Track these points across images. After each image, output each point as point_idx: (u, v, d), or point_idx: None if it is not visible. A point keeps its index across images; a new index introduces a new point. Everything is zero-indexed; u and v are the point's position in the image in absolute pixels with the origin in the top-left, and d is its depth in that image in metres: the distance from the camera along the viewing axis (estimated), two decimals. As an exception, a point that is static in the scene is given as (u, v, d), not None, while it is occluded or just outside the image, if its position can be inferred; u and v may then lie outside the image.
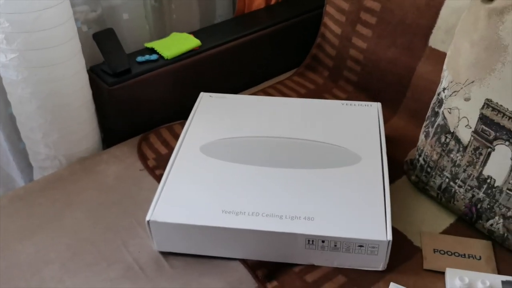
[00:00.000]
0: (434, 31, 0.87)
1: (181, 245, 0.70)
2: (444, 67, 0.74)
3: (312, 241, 0.66)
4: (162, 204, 0.70)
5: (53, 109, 0.83)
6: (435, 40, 0.88)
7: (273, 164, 0.76)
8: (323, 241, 0.66)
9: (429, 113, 0.78)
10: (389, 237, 0.64)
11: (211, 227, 0.67)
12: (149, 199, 0.80)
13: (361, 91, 1.03)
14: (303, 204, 0.69)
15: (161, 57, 0.95)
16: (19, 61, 0.76)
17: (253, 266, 0.69)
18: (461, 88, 0.69)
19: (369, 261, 0.66)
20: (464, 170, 0.71)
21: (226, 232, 0.67)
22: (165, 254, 0.72)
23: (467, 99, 0.69)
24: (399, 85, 0.95)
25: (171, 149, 0.90)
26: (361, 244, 0.65)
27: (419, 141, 0.80)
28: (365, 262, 0.67)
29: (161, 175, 0.85)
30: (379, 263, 0.67)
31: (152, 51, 0.97)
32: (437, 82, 0.88)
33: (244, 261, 0.70)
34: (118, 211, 0.79)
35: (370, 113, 0.86)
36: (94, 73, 0.91)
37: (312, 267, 0.68)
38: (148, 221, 0.68)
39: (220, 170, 0.75)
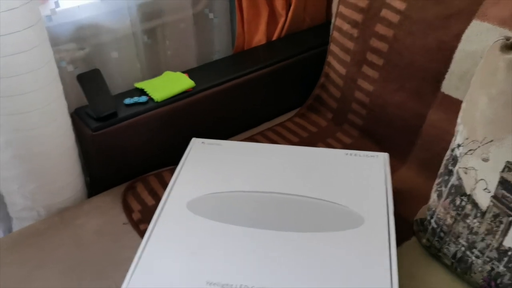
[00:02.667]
0: (447, 76, 0.80)
1: (160, 318, 0.62)
2: (459, 120, 0.67)
3: (308, 321, 0.57)
4: (140, 271, 0.62)
5: (30, 158, 0.76)
6: (449, 86, 0.80)
7: (266, 225, 0.68)
8: (320, 322, 0.57)
9: (442, 170, 0.70)
10: (397, 321, 0.55)
11: (192, 302, 0.59)
12: (130, 258, 0.73)
13: (367, 136, 0.95)
14: (299, 276, 0.61)
15: (151, 99, 0.88)
16: (-9, 108, 0.70)
17: None
18: (478, 146, 0.62)
19: None
20: (483, 239, 0.63)
21: (209, 308, 0.59)
22: (143, 327, 0.64)
23: (485, 160, 0.61)
24: (408, 132, 0.88)
25: (158, 200, 0.83)
26: (364, 328, 0.56)
27: (431, 200, 0.72)
28: None
29: (146, 230, 0.78)
30: None
31: (142, 92, 0.90)
32: (450, 131, 0.80)
33: None
34: (95, 273, 0.71)
35: (376, 165, 0.79)
36: (78, 117, 0.85)
37: None
38: (124, 292, 0.60)
39: (207, 231, 0.67)
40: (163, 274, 0.62)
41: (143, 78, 1.00)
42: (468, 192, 0.64)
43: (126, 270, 0.68)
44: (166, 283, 0.61)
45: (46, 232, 0.78)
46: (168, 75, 0.94)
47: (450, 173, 0.67)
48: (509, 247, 0.60)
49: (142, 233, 0.77)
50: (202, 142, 0.85)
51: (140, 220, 0.80)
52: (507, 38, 0.61)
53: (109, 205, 0.84)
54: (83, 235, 0.78)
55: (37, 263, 0.73)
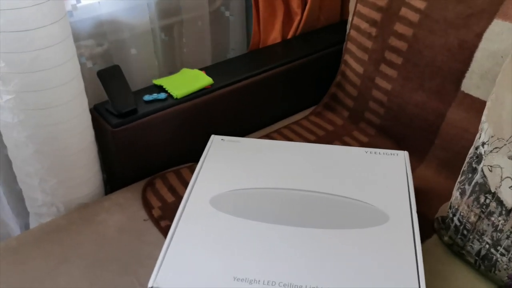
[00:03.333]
0: (467, 75, 0.80)
1: (187, 314, 0.62)
2: (483, 118, 0.67)
3: (336, 318, 0.58)
4: (166, 268, 0.62)
5: (51, 154, 0.76)
6: (469, 85, 0.80)
7: (290, 222, 0.68)
8: (348, 319, 0.57)
9: (465, 167, 0.70)
10: (426, 317, 0.56)
11: (221, 298, 0.59)
12: (152, 254, 0.73)
13: (384, 135, 0.96)
14: (326, 272, 0.61)
15: (170, 96, 0.88)
16: (15, 103, 0.70)
17: None
18: (505, 144, 0.62)
19: None
20: (508, 237, 0.63)
21: (237, 304, 0.59)
22: (169, 323, 0.64)
23: (511, 158, 0.61)
24: (427, 131, 0.88)
25: (178, 197, 0.83)
26: (392, 324, 0.57)
27: (453, 198, 0.72)
28: None
29: (167, 227, 0.78)
30: None
31: (160, 89, 0.90)
32: (470, 130, 0.81)
33: (257, 336, 0.62)
34: (118, 269, 0.71)
35: (396, 163, 0.79)
36: (98, 113, 0.85)
37: None
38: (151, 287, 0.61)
39: (231, 228, 0.68)
40: (189, 271, 0.62)
41: (160, 75, 1.00)
42: (493, 189, 0.64)
43: (149, 266, 0.68)
44: (193, 280, 0.61)
45: (68, 228, 0.78)
46: (186, 72, 0.94)
47: (474, 171, 0.67)
48: (536, 245, 0.60)
49: (163, 230, 0.77)
50: (222, 139, 0.85)
51: (161, 217, 0.80)
52: (534, 37, 0.62)
53: (129, 201, 0.84)
54: (104, 231, 0.78)
55: (61, 258, 0.73)
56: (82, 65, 0.78)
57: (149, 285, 0.61)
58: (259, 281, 0.60)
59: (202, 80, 0.91)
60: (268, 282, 0.60)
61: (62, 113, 0.74)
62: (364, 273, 0.61)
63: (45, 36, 0.67)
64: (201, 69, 0.96)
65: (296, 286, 0.59)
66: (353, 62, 0.99)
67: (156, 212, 0.81)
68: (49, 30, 0.67)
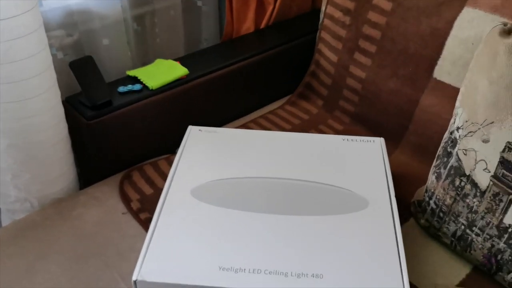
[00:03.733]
0: (439, 62, 0.82)
1: (172, 306, 0.62)
2: (457, 104, 0.69)
3: (322, 302, 0.59)
4: (150, 260, 0.62)
5: (24, 148, 0.74)
6: (441, 72, 0.83)
7: (273, 210, 0.68)
8: (334, 302, 0.58)
9: (440, 152, 0.72)
10: (408, 297, 0.57)
11: (207, 287, 0.59)
12: (134, 248, 0.73)
13: (359, 122, 0.97)
14: (310, 258, 0.62)
15: (145, 87, 0.87)
16: (-15, 96, 0.67)
17: (254, 329, 0.61)
18: (479, 128, 0.64)
19: (385, 323, 0.59)
20: (482, 217, 0.65)
21: (224, 293, 0.59)
22: (154, 315, 0.63)
23: (485, 141, 0.63)
24: (401, 117, 0.90)
25: (156, 189, 0.82)
26: (376, 306, 0.58)
27: (429, 182, 0.74)
28: (380, 324, 0.60)
29: (146, 219, 0.77)
30: (396, 325, 0.60)
31: (135, 80, 0.89)
32: (442, 115, 0.83)
33: (243, 323, 0.62)
34: (98, 264, 0.70)
35: (373, 149, 0.80)
36: (71, 105, 0.83)
37: (320, 330, 0.61)
38: (135, 281, 0.60)
39: (214, 217, 0.67)
40: (173, 262, 0.61)
41: (134, 66, 0.99)
42: (467, 172, 0.66)
43: (130, 260, 0.67)
44: (178, 271, 0.60)
45: (44, 223, 0.76)
46: (160, 63, 0.93)
47: (449, 155, 0.69)
48: (510, 224, 0.62)
49: (143, 222, 0.76)
50: (199, 130, 0.85)
51: (140, 209, 0.79)
52: (505, 24, 0.64)
53: (106, 195, 0.82)
54: (82, 226, 0.76)
55: (38, 255, 0.71)
56: (52, 56, 0.76)
57: (133, 278, 0.60)
58: (244, 269, 0.60)
59: (177, 70, 0.90)
60: (253, 270, 0.60)
61: (35, 106, 0.72)
62: (347, 257, 0.62)
63: (17, 26, 0.64)
64: (175, 60, 0.95)
65: (281, 273, 0.60)
66: (327, 51, 1.00)
67: (135, 205, 0.80)
68: (22, 20, 0.65)
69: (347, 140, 0.83)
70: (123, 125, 0.85)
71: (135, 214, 0.78)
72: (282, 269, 0.60)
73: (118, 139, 0.85)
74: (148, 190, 0.83)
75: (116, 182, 0.84)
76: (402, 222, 0.77)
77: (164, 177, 0.85)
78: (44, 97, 0.72)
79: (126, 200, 0.81)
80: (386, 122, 0.92)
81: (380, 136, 0.83)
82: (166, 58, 0.95)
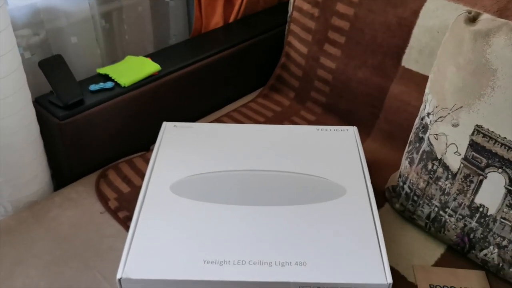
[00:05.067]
0: (407, 50, 0.85)
1: (158, 302, 0.62)
2: (427, 90, 0.71)
3: (306, 289, 0.60)
4: (133, 258, 0.61)
5: (-5, 151, 0.72)
6: (408, 60, 0.85)
7: (253, 202, 0.69)
8: (318, 288, 0.60)
9: (412, 138, 0.75)
10: (389, 279, 0.59)
11: (193, 281, 0.59)
12: (114, 247, 0.72)
13: (330, 112, 0.99)
14: (293, 247, 0.63)
15: (117, 84, 0.86)
16: (-48, 99, 0.65)
17: (241, 319, 0.62)
18: (448, 113, 0.66)
19: (368, 305, 0.61)
20: (455, 199, 0.68)
21: (210, 285, 0.60)
22: (139, 313, 0.63)
23: (455, 125, 0.66)
24: (371, 106, 0.92)
25: (133, 187, 0.82)
26: (359, 289, 0.60)
27: (402, 167, 0.77)
28: (363, 306, 0.62)
29: (125, 217, 0.76)
30: (378, 306, 0.62)
31: (106, 77, 0.88)
32: (411, 102, 0.86)
33: (230, 315, 0.63)
34: (78, 265, 0.69)
35: (347, 138, 0.82)
36: (41, 106, 0.81)
37: (306, 316, 0.63)
38: (120, 279, 0.59)
39: (195, 212, 0.68)
40: (157, 259, 0.61)
41: (103, 64, 0.97)
42: (439, 156, 0.69)
43: (111, 259, 0.67)
44: (162, 267, 0.60)
45: (19, 227, 0.75)
46: (131, 60, 0.92)
47: (420, 140, 0.72)
48: (480, 204, 0.65)
49: (121, 221, 0.76)
50: (174, 126, 0.84)
51: (118, 208, 0.78)
52: (469, 12, 0.66)
53: (81, 195, 0.81)
54: (59, 228, 0.75)
55: (16, 260, 0.69)
56: (20, 56, 0.74)
57: (118, 276, 0.60)
58: (229, 261, 0.61)
59: (148, 67, 0.90)
60: (238, 262, 0.61)
61: (4, 108, 0.70)
62: (329, 244, 0.63)
63: (-18, 25, 0.62)
64: (145, 56, 0.94)
65: (265, 263, 0.61)
66: (297, 43, 1.01)
67: (112, 204, 0.79)
68: (-13, 19, 0.63)
69: (321, 130, 0.84)
70: (96, 124, 0.83)
71: (114, 213, 0.77)
72: (266, 259, 0.61)
73: (91, 138, 0.84)
74: (125, 188, 0.82)
75: (92, 182, 0.83)
76: (378, 208, 0.79)
77: (140, 174, 0.84)
78: (14, 99, 0.70)
79: (103, 199, 0.80)
80: (357, 111, 0.95)
81: (352, 125, 0.85)
82: (136, 55, 0.94)
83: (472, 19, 0.65)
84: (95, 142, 0.85)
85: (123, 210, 0.77)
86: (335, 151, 0.79)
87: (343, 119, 0.97)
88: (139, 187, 0.71)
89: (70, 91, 0.80)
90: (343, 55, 0.93)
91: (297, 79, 1.03)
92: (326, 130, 0.84)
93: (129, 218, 0.67)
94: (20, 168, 0.77)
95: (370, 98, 0.92)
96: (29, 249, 0.71)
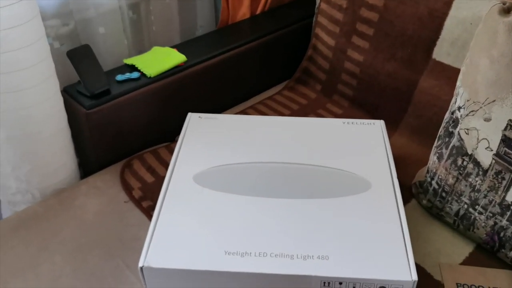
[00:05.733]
0: (438, 42, 0.82)
1: (179, 291, 0.62)
2: (458, 83, 0.69)
3: (329, 283, 0.59)
4: (156, 247, 0.62)
5: (24, 139, 0.73)
6: (440, 53, 0.83)
7: (276, 194, 0.68)
8: (340, 283, 0.59)
9: (441, 132, 0.72)
10: (414, 276, 0.57)
11: (214, 272, 0.59)
12: (137, 236, 0.73)
13: (358, 106, 0.97)
14: (315, 240, 0.62)
15: (143, 74, 0.86)
16: (-17, 87, 0.67)
17: (261, 312, 0.62)
18: (480, 107, 0.64)
19: (391, 302, 0.60)
20: (485, 196, 0.66)
21: (231, 277, 0.59)
22: (161, 302, 0.63)
23: (487, 120, 0.63)
24: (399, 100, 0.90)
25: (158, 177, 0.82)
26: (382, 285, 0.58)
27: (430, 162, 0.75)
28: (387, 303, 0.60)
29: (149, 207, 0.77)
30: (402, 304, 0.60)
31: (132, 68, 0.88)
32: (442, 97, 0.83)
33: (250, 307, 0.62)
34: (102, 253, 0.70)
35: (374, 132, 0.80)
36: (69, 95, 0.82)
37: (327, 311, 0.62)
38: (142, 268, 0.60)
39: (218, 203, 0.67)
40: (179, 248, 0.61)
41: (130, 54, 0.98)
42: (469, 152, 0.66)
43: (134, 248, 0.67)
44: (184, 257, 0.60)
45: (46, 214, 0.76)
46: (157, 50, 0.92)
47: (450, 135, 0.70)
48: (512, 201, 0.63)
49: (145, 210, 0.76)
50: (199, 117, 0.84)
51: (142, 198, 0.78)
52: (504, 2, 0.64)
53: (107, 184, 0.82)
54: (85, 216, 0.76)
55: (42, 245, 0.70)
56: (49, 45, 0.75)
57: (140, 265, 0.60)
58: (250, 253, 0.61)
59: (174, 57, 0.90)
60: (259, 254, 0.60)
61: (33, 96, 0.71)
62: (352, 239, 0.62)
63: (13, 14, 0.63)
64: (172, 47, 0.94)
65: (287, 256, 0.60)
66: (324, 35, 1.00)
67: (136, 193, 0.79)
68: (18, 9, 0.64)
69: (347, 123, 0.83)
70: (122, 114, 0.84)
71: (137, 203, 0.78)
72: (288, 252, 0.61)
73: (117, 128, 0.85)
74: (149, 178, 0.82)
75: (117, 171, 0.84)
76: (404, 203, 0.77)
77: (165, 165, 0.84)
78: (42, 87, 0.72)
79: (127, 188, 0.80)
80: (385, 105, 0.93)
81: (379, 119, 0.83)
82: (162, 45, 0.94)
83: (507, 10, 0.62)
84: (121, 131, 0.86)
85: (147, 200, 0.78)
86: (361, 144, 0.78)
87: (370, 113, 0.95)
88: (163, 177, 0.71)
89: (97, 81, 0.80)
90: (371, 48, 0.91)
91: (324, 71, 1.02)
92: (352, 123, 0.83)
93: (153, 208, 0.67)
94: (48, 156, 0.78)
95: (399, 92, 0.90)
96: (55, 236, 0.72)
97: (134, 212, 0.77)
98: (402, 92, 0.89)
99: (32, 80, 0.69)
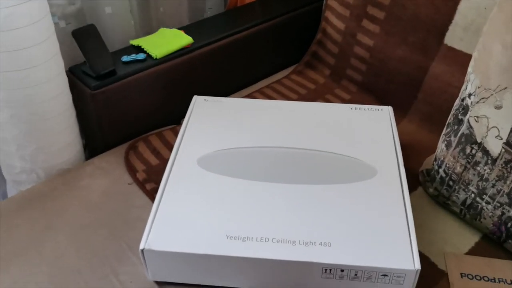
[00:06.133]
0: (450, 27, 0.80)
1: (180, 274, 0.62)
2: (470, 69, 0.67)
3: (330, 270, 0.58)
4: (157, 229, 0.61)
5: (28, 118, 0.73)
6: (452, 38, 0.80)
7: (280, 179, 0.68)
8: (342, 270, 0.58)
9: (450, 120, 0.71)
10: (417, 265, 0.57)
11: (215, 256, 0.59)
12: (140, 218, 0.72)
13: (366, 92, 0.95)
14: (318, 227, 0.61)
15: (149, 56, 0.86)
16: (-13, 65, 0.66)
17: (262, 297, 0.62)
18: (491, 94, 0.62)
19: (393, 290, 0.59)
20: (493, 185, 0.64)
21: (232, 261, 0.59)
22: (161, 284, 0.63)
23: (498, 107, 0.62)
24: (409, 86, 0.88)
25: (162, 160, 0.82)
26: (385, 274, 0.58)
27: (438, 150, 0.73)
28: (389, 291, 0.60)
29: (153, 189, 0.77)
30: (404, 292, 0.60)
31: (138, 49, 0.87)
32: (453, 83, 0.81)
33: (251, 291, 0.62)
34: (105, 233, 0.70)
35: (381, 118, 0.79)
36: (74, 75, 0.81)
37: (328, 298, 0.61)
38: (142, 250, 0.60)
39: (221, 187, 0.67)
40: (180, 231, 0.61)
41: (137, 36, 0.97)
42: (479, 140, 0.65)
43: (137, 230, 0.67)
44: (185, 240, 0.60)
45: (50, 194, 0.76)
46: (164, 32, 0.91)
47: (460, 122, 0.68)
48: (521, 192, 0.62)
49: (149, 193, 0.76)
50: (205, 100, 0.83)
51: (146, 180, 0.78)
52: (520, -14, 0.61)
53: (112, 165, 0.82)
54: (89, 196, 0.76)
55: (46, 225, 0.71)
56: (55, 25, 0.74)
57: (141, 247, 0.60)
58: (252, 238, 0.60)
59: (181, 39, 0.89)
60: (261, 239, 0.60)
61: (38, 75, 0.70)
62: (355, 226, 0.61)
63: (17, -8, 0.63)
64: (179, 29, 0.93)
65: (289, 241, 0.60)
66: (334, 18, 0.98)
67: (140, 175, 0.79)
68: (20, -14, 0.63)
69: (355, 108, 0.81)
70: (128, 95, 0.84)
71: (141, 185, 0.78)
72: (290, 238, 0.60)
73: (122, 109, 0.84)
74: (154, 160, 0.82)
75: (122, 153, 0.84)
76: (410, 191, 0.76)
77: (170, 147, 0.84)
78: (47, 67, 0.71)
79: (132, 170, 0.80)
80: (394, 91, 0.91)
81: (388, 105, 0.82)
82: (170, 27, 0.93)
83: (524, -6, 0.60)
84: (126, 113, 0.85)
85: (150, 182, 0.78)
86: (368, 131, 0.76)
87: (379, 99, 0.93)
88: (168, 160, 0.71)
89: (102, 61, 0.80)
90: (382, 32, 0.89)
91: (333, 56, 1.00)
92: (360, 109, 0.81)
93: (156, 190, 0.67)
94: (53, 136, 0.78)
95: (409, 77, 0.88)
96: (59, 215, 0.73)
97: (138, 194, 0.77)
98: (412, 78, 0.87)
99: (36, 59, 0.69)
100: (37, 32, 0.67)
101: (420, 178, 0.78)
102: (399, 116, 0.89)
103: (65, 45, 0.84)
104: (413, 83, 0.87)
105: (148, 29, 1.00)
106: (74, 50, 0.82)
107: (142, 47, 0.87)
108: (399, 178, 0.68)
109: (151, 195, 0.75)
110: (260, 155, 0.72)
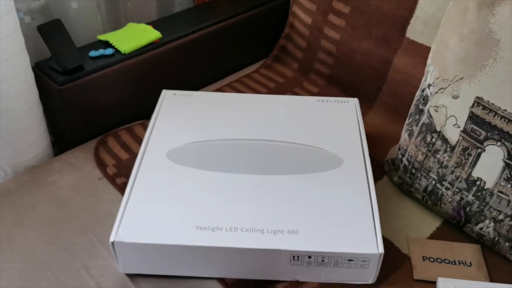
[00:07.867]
0: (412, 21, 0.83)
1: (151, 266, 0.63)
2: (429, 61, 0.70)
3: (298, 257, 0.60)
4: (127, 222, 0.62)
5: (-6, 114, 0.73)
6: (413, 31, 0.83)
7: (249, 170, 0.69)
8: (309, 257, 0.60)
9: (412, 110, 0.73)
10: (381, 249, 0.59)
11: (185, 246, 0.60)
12: (111, 212, 0.73)
13: (334, 84, 0.98)
14: (286, 215, 0.63)
15: (117, 51, 0.85)
16: (-50, 61, 0.65)
17: (232, 285, 0.63)
18: (449, 85, 0.65)
19: (359, 275, 0.62)
20: (452, 172, 0.67)
21: (202, 251, 0.60)
22: (133, 276, 0.64)
23: (455, 97, 0.65)
24: (374, 78, 0.91)
25: (132, 154, 0.82)
26: (350, 258, 0.60)
27: (402, 140, 0.76)
28: (354, 276, 0.62)
29: (123, 184, 0.77)
30: (369, 276, 0.62)
31: (106, 44, 0.87)
32: (415, 75, 0.84)
33: (222, 280, 0.63)
34: (75, 228, 0.70)
35: (347, 110, 0.81)
36: (41, 71, 0.81)
37: (297, 284, 0.63)
38: (113, 242, 0.60)
39: (190, 179, 0.68)
40: (150, 223, 0.62)
41: (104, 31, 0.96)
42: (438, 129, 0.68)
43: (107, 224, 0.67)
44: (155, 232, 0.61)
45: (18, 190, 0.75)
46: (132, 27, 0.91)
47: (420, 112, 0.71)
48: (478, 177, 0.64)
49: (119, 187, 0.76)
50: (174, 94, 0.84)
51: (116, 174, 0.78)
52: (475, -20, 0.64)
53: (81, 161, 0.81)
54: (58, 192, 0.75)
55: (15, 221, 0.70)
56: (20, 20, 0.73)
57: (111, 239, 0.60)
58: (221, 228, 0.61)
59: (149, 34, 0.89)
60: (230, 229, 0.61)
61: (3, 71, 0.70)
62: (322, 214, 0.63)
63: (-22, -14, 0.62)
64: (147, 24, 0.93)
65: (257, 230, 0.61)
66: (301, 13, 1.00)
67: (110, 170, 0.79)
68: (-18, -20, 0.62)
69: (322, 101, 0.83)
70: (96, 90, 0.83)
71: (111, 179, 0.78)
72: (258, 227, 0.62)
73: (91, 105, 0.84)
74: (124, 155, 0.82)
75: (91, 148, 0.84)
76: (376, 180, 0.79)
77: (139, 142, 0.84)
78: (11, 62, 0.70)
79: (101, 165, 0.80)
80: (360, 83, 0.93)
81: (355, 98, 0.84)
82: (139, 22, 0.93)
83: (478, -12, 0.63)
84: (95, 108, 0.85)
85: (121, 177, 0.78)
86: (335, 122, 0.78)
87: (346, 91, 0.96)
88: (138, 154, 0.71)
89: (69, 57, 0.79)
90: (348, 26, 0.91)
91: (301, 50, 1.02)
92: (326, 101, 0.83)
93: (127, 185, 0.68)
94: (20, 132, 0.77)
95: (374, 70, 0.90)
96: (28, 211, 0.72)
97: (108, 189, 0.77)
98: (377, 71, 0.90)
99: (1, 55, 0.68)
100: (2, 28, 0.67)
101: (386, 167, 0.80)
102: (366, 107, 0.92)
103: (30, 41, 0.83)
104: (378, 76, 0.90)
105: (116, 24, 0.99)
106: (40, 46, 0.82)
107: (110, 42, 0.87)
108: (365, 168, 0.70)
109: (122, 189, 0.76)
110: (229, 148, 0.73)
